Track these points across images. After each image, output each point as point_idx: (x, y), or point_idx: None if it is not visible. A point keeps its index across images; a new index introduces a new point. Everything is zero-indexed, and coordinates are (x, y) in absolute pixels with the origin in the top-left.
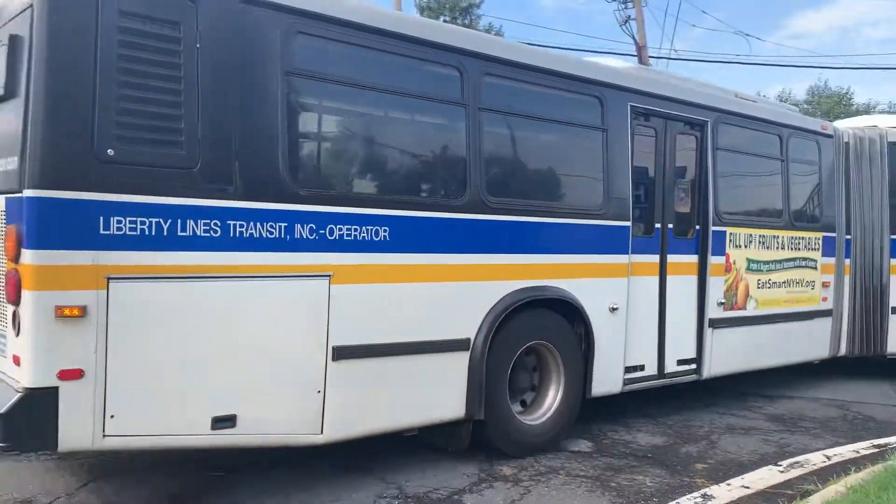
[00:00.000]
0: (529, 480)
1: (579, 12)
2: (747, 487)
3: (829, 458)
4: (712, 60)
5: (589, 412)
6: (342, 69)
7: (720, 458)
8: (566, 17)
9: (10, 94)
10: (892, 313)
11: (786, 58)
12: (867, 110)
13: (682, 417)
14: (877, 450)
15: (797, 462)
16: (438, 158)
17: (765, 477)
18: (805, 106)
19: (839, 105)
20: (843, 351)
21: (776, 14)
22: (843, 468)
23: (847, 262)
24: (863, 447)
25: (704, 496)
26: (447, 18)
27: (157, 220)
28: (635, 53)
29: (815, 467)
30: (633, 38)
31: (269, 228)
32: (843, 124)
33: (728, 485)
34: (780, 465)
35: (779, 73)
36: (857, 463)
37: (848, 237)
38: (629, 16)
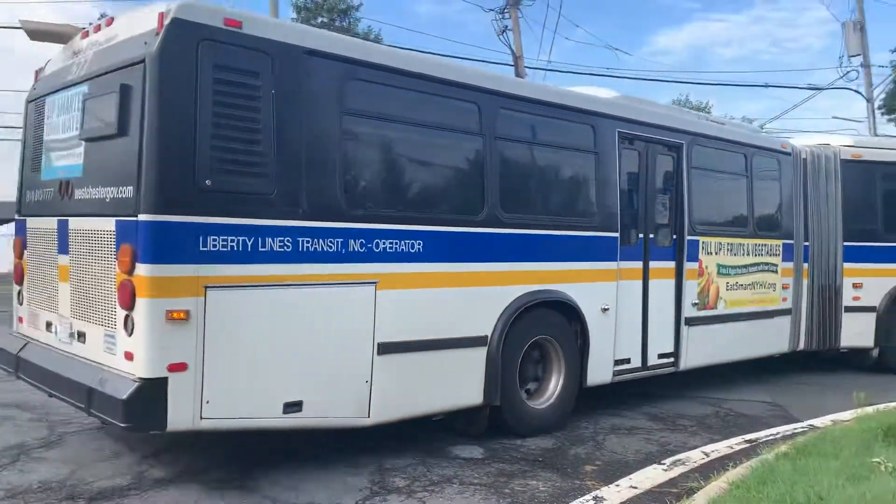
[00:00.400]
0: (423, 491)
1: (455, 20)
2: (635, 487)
3: (707, 454)
4: (585, 73)
5: None
6: (385, 107)
7: (607, 458)
8: (441, 24)
9: (121, 133)
10: (845, 312)
11: (651, 72)
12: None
13: (568, 419)
14: (748, 445)
15: (679, 460)
16: (461, 181)
17: (651, 476)
18: None
19: None
20: (802, 345)
21: (641, 30)
22: (721, 464)
23: (805, 266)
24: (735, 443)
25: (596, 499)
26: (325, 19)
27: (243, 238)
28: (512, 63)
29: (697, 464)
30: (511, 48)
31: (329, 243)
32: (799, 142)
33: (617, 486)
34: (664, 464)
35: (645, 86)
36: (733, 458)
37: (806, 244)
38: (506, 26)
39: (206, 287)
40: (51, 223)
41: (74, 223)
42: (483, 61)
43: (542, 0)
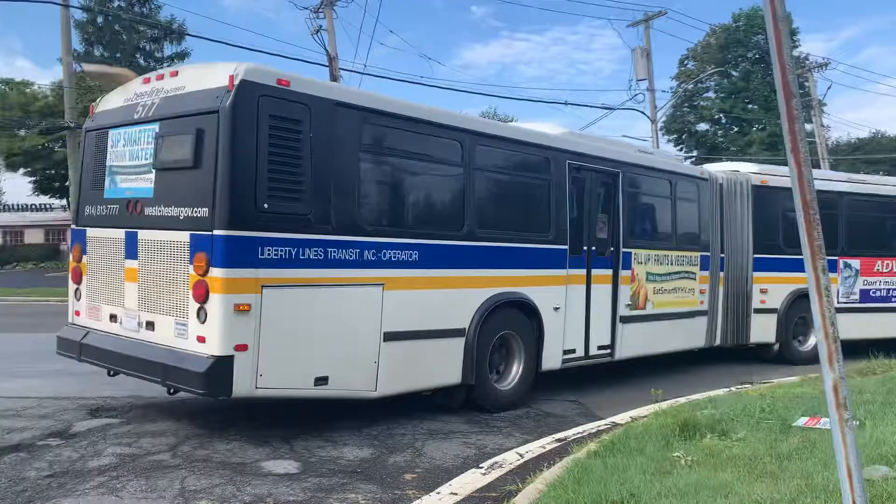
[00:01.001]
0: None
1: (266, 18)
2: (456, 494)
3: (522, 455)
4: (401, 79)
5: (293, 423)
6: (390, 145)
7: (427, 465)
8: (251, 19)
9: (195, 165)
10: (753, 313)
11: (461, 83)
12: None
13: (385, 426)
14: (559, 444)
15: (496, 462)
16: (447, 203)
17: (470, 481)
18: None
19: None
20: (718, 342)
21: (451, 43)
22: (536, 465)
23: (721, 274)
24: (547, 442)
25: None
26: (122, 3)
27: (289, 248)
28: (327, 64)
29: (513, 466)
30: (325, 48)
31: (350, 253)
32: (713, 168)
33: (438, 493)
34: (482, 468)
35: (456, 96)
36: (547, 458)
37: (722, 256)
38: (321, 26)
39: (263, 286)
40: (118, 234)
41: (144, 234)
42: (296, 59)
43: (357, 3)
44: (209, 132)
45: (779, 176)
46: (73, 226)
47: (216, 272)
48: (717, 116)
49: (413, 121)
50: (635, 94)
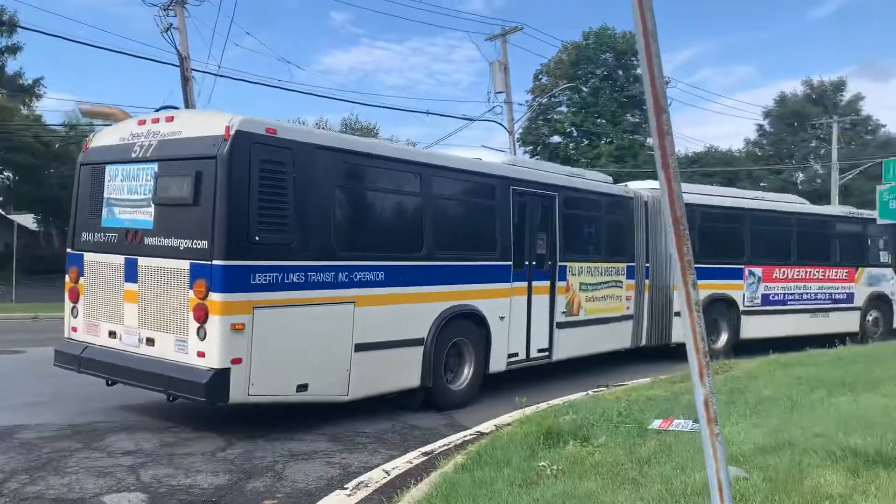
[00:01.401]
0: None
1: (112, 14)
2: None
3: (388, 472)
4: (258, 82)
5: (143, 450)
6: (360, 179)
7: (288, 489)
8: (94, 15)
9: (196, 203)
10: (675, 316)
11: (323, 88)
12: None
13: (243, 449)
14: (425, 458)
15: (362, 482)
16: (408, 227)
17: (334, 503)
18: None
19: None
20: (643, 342)
21: (310, 48)
22: (402, 482)
23: (647, 281)
24: (414, 457)
25: None
26: None
27: (276, 274)
28: (178, 64)
29: (379, 484)
30: (176, 48)
31: (326, 276)
32: (639, 186)
33: None
34: (347, 489)
35: (316, 102)
36: (413, 474)
37: (647, 265)
38: (171, 24)
39: (255, 307)
40: (117, 259)
41: (144, 261)
42: (145, 59)
43: (211, 1)
44: (207, 174)
45: (694, 194)
46: (69, 250)
47: (215, 296)
48: (569, 129)
49: (378, 157)
50: (494, 106)
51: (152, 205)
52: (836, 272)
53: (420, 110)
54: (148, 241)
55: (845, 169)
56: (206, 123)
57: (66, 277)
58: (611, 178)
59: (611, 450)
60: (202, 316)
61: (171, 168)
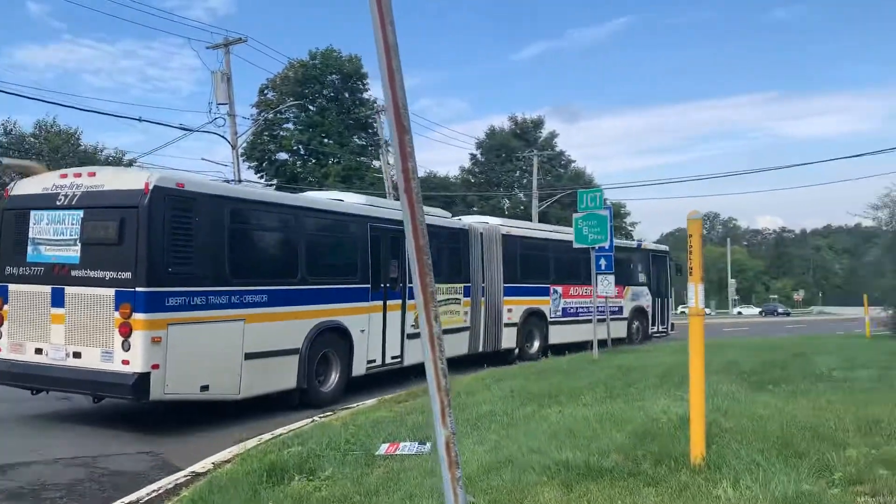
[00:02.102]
0: None
1: None
2: None
3: None
4: None
5: None
6: (250, 220)
7: None
8: None
9: (120, 242)
10: (504, 326)
11: (13, 85)
12: (95, 152)
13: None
14: None
15: None
16: (286, 257)
17: None
18: (32, 140)
19: (68, 143)
20: (480, 349)
21: (1, 40)
22: None
23: (483, 298)
24: None
25: None
26: None
27: (184, 298)
28: None
29: None
30: None
31: (222, 299)
32: (472, 220)
33: None
34: None
35: (6, 99)
36: None
37: (483, 285)
38: None
39: (168, 324)
40: (44, 288)
41: (71, 290)
42: None
43: None
44: (130, 220)
45: (518, 227)
46: None
47: (138, 316)
48: (296, 147)
49: (261, 203)
50: (216, 118)
51: (79, 244)
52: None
53: (132, 116)
54: (74, 273)
55: (544, 197)
56: (126, 179)
57: None
58: (449, 214)
59: (338, 482)
60: (127, 332)
61: (96, 214)
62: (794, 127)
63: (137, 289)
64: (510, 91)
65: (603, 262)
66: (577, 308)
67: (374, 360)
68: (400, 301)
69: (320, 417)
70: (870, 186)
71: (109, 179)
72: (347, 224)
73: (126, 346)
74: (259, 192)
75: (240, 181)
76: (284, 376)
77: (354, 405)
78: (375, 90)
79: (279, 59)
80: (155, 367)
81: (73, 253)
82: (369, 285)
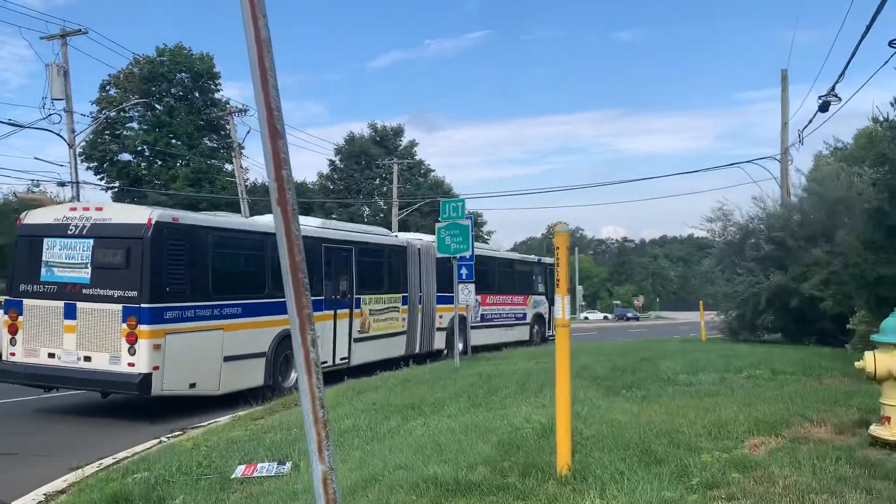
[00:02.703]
0: None
1: None
2: None
3: None
4: None
5: None
6: (227, 245)
7: None
8: None
9: (127, 266)
10: (437, 331)
11: None
12: None
13: None
14: None
15: None
16: (257, 276)
17: None
18: None
19: None
20: (416, 350)
21: None
22: None
23: (420, 307)
24: None
25: None
26: None
27: (178, 311)
28: None
29: None
30: None
31: (206, 311)
32: (410, 237)
33: None
34: None
35: None
36: None
37: (421, 294)
38: None
39: (167, 333)
40: (57, 304)
41: (83, 305)
42: None
43: None
44: (135, 249)
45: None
46: (6, 297)
47: (143, 327)
48: (141, 148)
49: (234, 230)
50: (50, 114)
51: (90, 267)
52: (517, 298)
53: None
54: (85, 291)
55: (404, 205)
56: (131, 213)
57: (5, 316)
58: (393, 233)
59: None
60: (133, 340)
61: (105, 243)
62: (635, 143)
63: (142, 305)
64: (369, 98)
65: (464, 271)
66: (491, 315)
67: (326, 361)
68: (348, 310)
69: (168, 438)
70: (701, 200)
71: (116, 214)
72: (308, 244)
73: (132, 352)
74: (234, 220)
75: (77, 182)
76: (255, 375)
77: (207, 423)
78: (228, 90)
79: (123, 55)
80: (155, 368)
81: (84, 274)
82: (322, 297)
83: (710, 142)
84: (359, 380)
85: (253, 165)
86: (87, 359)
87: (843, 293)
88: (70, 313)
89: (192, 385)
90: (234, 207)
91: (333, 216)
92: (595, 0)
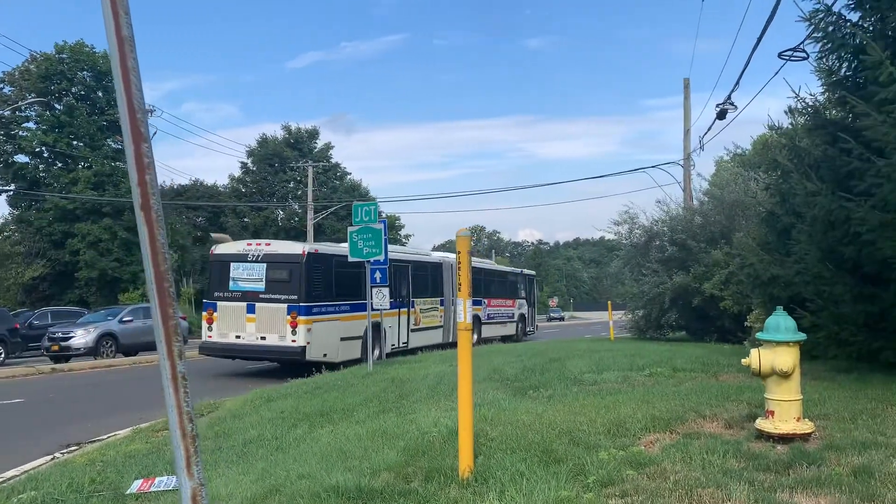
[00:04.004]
0: None
1: None
2: None
3: None
4: None
5: None
6: (342, 266)
7: None
8: None
9: (289, 280)
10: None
11: None
12: None
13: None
14: None
15: None
16: (357, 286)
17: None
18: None
19: None
20: (451, 339)
21: None
22: None
23: (453, 308)
24: None
25: None
26: None
27: (319, 308)
28: None
29: None
30: None
31: (331, 308)
32: (439, 255)
33: None
34: None
35: None
36: None
37: (454, 299)
38: None
39: (313, 322)
40: (241, 304)
41: (260, 304)
42: None
43: None
44: (294, 269)
45: (476, 258)
46: (206, 300)
47: (300, 318)
48: (38, 149)
49: (343, 256)
50: None
51: (264, 281)
52: (508, 301)
53: None
54: (262, 296)
55: (319, 209)
56: (291, 247)
57: (204, 313)
58: (434, 253)
59: None
60: (294, 326)
61: (274, 266)
62: (549, 148)
63: (300, 303)
64: (284, 100)
65: (378, 275)
66: (495, 314)
67: (395, 344)
68: (407, 309)
69: (63, 454)
70: (611, 203)
71: (280, 247)
72: (395, 266)
73: (294, 333)
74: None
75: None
76: (355, 351)
77: (106, 436)
78: None
79: (19, 52)
80: (308, 343)
81: (260, 285)
82: (393, 300)
83: (621, 147)
84: (267, 388)
85: (160, 168)
86: (263, 338)
87: (740, 292)
88: (251, 310)
89: (325, 355)
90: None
91: (246, 219)
92: (504, 7)
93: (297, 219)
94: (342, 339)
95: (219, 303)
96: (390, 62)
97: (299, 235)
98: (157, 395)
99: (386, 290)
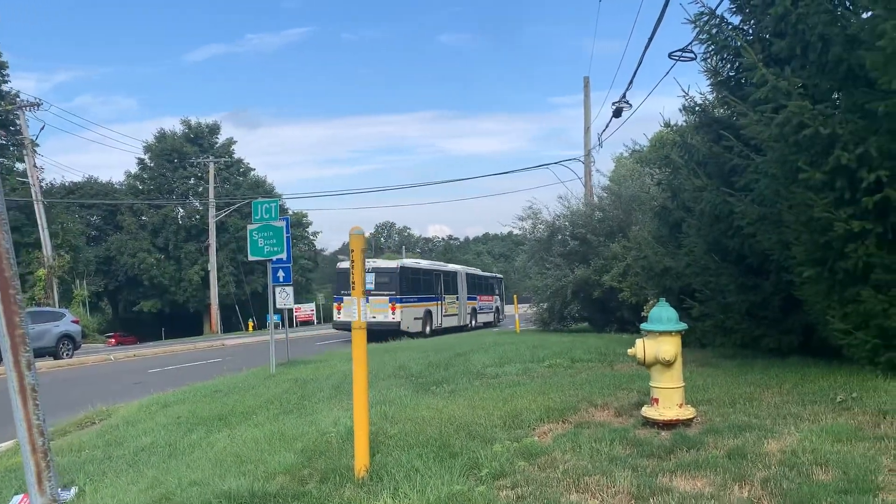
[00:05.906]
0: None
1: None
2: None
3: None
4: None
5: None
6: (423, 275)
7: None
8: None
9: (390, 283)
10: (467, 314)
11: None
12: None
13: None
14: None
15: None
16: (425, 286)
17: None
18: None
19: None
20: (461, 324)
21: None
22: None
23: (466, 302)
24: None
25: None
26: None
27: (407, 298)
28: None
29: None
30: None
31: (413, 299)
32: (457, 267)
33: None
34: None
35: None
36: None
37: (465, 295)
38: None
39: (403, 307)
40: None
41: (372, 297)
42: None
43: None
44: (392, 276)
45: (470, 270)
46: (335, 295)
47: (397, 304)
48: None
49: (421, 268)
50: None
51: (374, 283)
52: (489, 297)
53: None
54: (372, 292)
55: (221, 206)
56: (389, 263)
57: (335, 304)
58: (451, 265)
59: None
60: (394, 309)
61: (380, 274)
62: (460, 144)
63: (398, 295)
64: (185, 93)
65: (281, 273)
66: (482, 307)
67: (438, 323)
68: (440, 302)
69: None
70: (518, 199)
71: (383, 263)
72: (431, 272)
73: (394, 314)
74: (423, 262)
75: None
76: (419, 325)
77: None
78: (18, 82)
79: None
80: (403, 319)
81: (371, 286)
82: (434, 295)
83: (528, 143)
84: (165, 393)
85: (49, 165)
86: (374, 317)
87: (637, 284)
88: (365, 300)
89: (407, 328)
90: (27, 211)
91: (144, 218)
92: (416, 2)
93: (198, 217)
94: (415, 318)
95: (344, 298)
96: (297, 56)
97: (200, 234)
98: (48, 405)
99: (290, 289)
